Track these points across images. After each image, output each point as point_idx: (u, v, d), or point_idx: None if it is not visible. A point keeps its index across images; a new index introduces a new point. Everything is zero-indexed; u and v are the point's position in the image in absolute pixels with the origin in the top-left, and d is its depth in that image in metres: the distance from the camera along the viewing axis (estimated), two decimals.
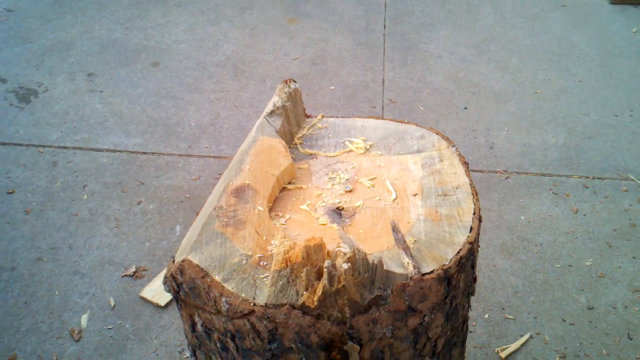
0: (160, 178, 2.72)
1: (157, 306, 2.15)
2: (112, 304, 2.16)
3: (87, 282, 2.24)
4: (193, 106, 3.23)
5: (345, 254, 0.99)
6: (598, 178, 2.78)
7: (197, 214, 1.24)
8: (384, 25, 4.03)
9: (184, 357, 1.99)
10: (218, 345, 1.14)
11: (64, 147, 2.90)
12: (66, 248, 2.37)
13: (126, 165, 2.79)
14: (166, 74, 3.50)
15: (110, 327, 2.09)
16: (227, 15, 4.10)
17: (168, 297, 2.17)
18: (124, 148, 2.90)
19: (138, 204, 2.58)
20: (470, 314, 2.12)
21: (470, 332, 2.06)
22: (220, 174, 2.75)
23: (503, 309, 2.16)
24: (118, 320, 2.11)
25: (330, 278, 0.97)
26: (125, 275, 2.26)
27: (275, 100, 1.45)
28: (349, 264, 0.98)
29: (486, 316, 2.13)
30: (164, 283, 1.15)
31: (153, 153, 2.88)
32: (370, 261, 1.01)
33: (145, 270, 2.29)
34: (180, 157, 2.86)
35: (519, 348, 2.03)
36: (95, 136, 2.98)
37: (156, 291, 2.18)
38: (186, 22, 4.04)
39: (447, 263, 1.07)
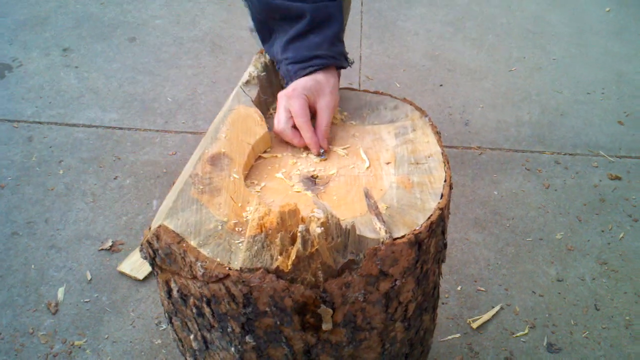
0: (136, 153, 2.71)
1: (135, 280, 2.16)
2: (89, 277, 2.17)
3: (63, 256, 2.23)
4: (170, 82, 3.22)
5: (319, 219, 1.00)
6: (569, 154, 2.83)
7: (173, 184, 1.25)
8: (362, 3, 4.02)
9: (161, 328, 2.01)
10: (194, 310, 1.15)
11: (39, 122, 2.87)
12: (42, 222, 2.36)
13: (102, 140, 2.77)
14: (143, 49, 3.47)
15: (87, 300, 2.09)
16: None
17: (146, 271, 2.17)
18: (100, 123, 2.88)
19: (115, 179, 2.57)
20: (443, 286, 2.16)
21: (443, 303, 2.11)
22: None
23: (475, 281, 2.21)
24: (95, 293, 2.12)
25: (304, 242, 0.99)
26: (102, 249, 2.27)
27: (251, 70, 1.46)
28: (323, 228, 1.00)
29: (458, 288, 2.18)
30: (141, 250, 1.17)
31: (129, 128, 2.86)
32: (344, 226, 1.03)
33: (122, 244, 2.29)
34: (157, 132, 2.85)
35: (490, 319, 2.08)
36: (71, 111, 2.95)
37: (134, 265, 2.19)
38: None
39: (418, 228, 1.09)
